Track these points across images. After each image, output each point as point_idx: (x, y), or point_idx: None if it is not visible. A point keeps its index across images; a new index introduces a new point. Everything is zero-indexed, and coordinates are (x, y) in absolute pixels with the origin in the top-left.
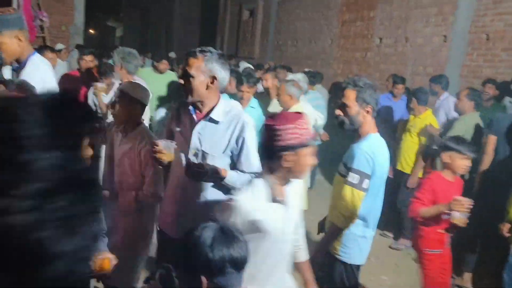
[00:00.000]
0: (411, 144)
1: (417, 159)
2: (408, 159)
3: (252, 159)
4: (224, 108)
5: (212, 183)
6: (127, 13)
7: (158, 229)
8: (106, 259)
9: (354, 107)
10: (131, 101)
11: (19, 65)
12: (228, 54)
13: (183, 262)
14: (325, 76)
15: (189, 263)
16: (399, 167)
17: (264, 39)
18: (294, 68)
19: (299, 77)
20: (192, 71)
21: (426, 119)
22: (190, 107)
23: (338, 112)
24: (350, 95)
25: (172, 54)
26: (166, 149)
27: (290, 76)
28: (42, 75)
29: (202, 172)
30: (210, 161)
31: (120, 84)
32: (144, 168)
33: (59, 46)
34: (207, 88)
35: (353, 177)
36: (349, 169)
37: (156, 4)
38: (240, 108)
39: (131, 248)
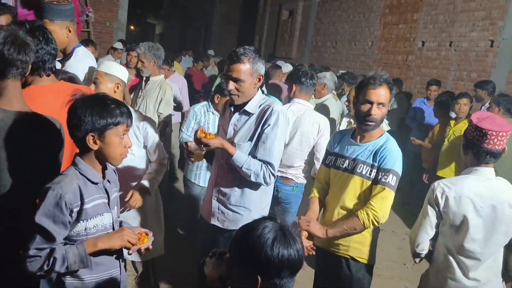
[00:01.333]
0: (452, 150)
1: (459, 166)
2: (451, 165)
3: (269, 146)
4: (259, 100)
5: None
6: (168, 11)
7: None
8: (143, 233)
9: (386, 107)
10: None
11: (64, 56)
12: (266, 54)
13: (240, 258)
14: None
15: (247, 260)
16: (440, 174)
17: (302, 40)
18: (333, 69)
19: (326, 75)
20: (242, 76)
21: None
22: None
23: (375, 112)
24: (387, 95)
25: (211, 52)
26: (196, 150)
27: (318, 74)
28: (84, 68)
29: (203, 144)
30: (239, 150)
31: (148, 78)
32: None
33: (118, 45)
34: (254, 87)
35: (391, 179)
36: (383, 170)
37: (196, 3)
38: (273, 100)
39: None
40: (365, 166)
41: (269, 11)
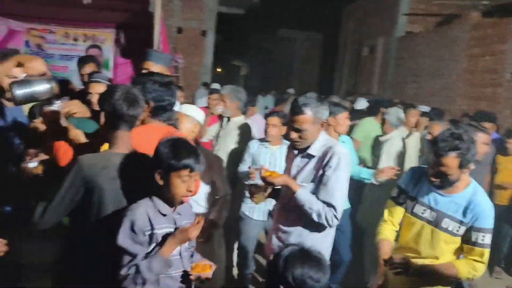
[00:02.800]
0: None
1: None
2: None
3: (330, 188)
4: (322, 142)
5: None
6: (252, 54)
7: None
8: (206, 264)
9: (456, 174)
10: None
11: None
12: (346, 91)
13: (270, 278)
14: (450, 113)
15: (273, 278)
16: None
17: (383, 76)
18: (415, 105)
19: (392, 111)
20: (304, 126)
21: None
22: None
23: (434, 180)
24: (453, 164)
25: (291, 91)
26: (258, 192)
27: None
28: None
29: (268, 183)
30: None
31: (229, 118)
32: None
33: (215, 85)
34: (317, 133)
35: (488, 238)
36: (478, 230)
37: (279, 45)
38: (336, 141)
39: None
40: (452, 222)
41: (350, 49)
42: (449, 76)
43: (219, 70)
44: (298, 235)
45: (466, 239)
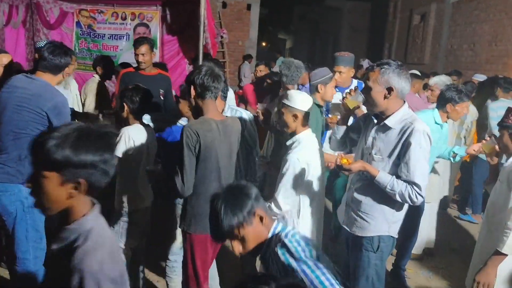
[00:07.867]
0: None
1: None
2: None
3: (412, 167)
4: (402, 115)
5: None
6: (297, 26)
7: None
8: None
9: None
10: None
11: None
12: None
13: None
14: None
15: None
16: None
17: (435, 44)
18: (471, 73)
19: (444, 79)
20: (370, 84)
21: None
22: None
23: None
24: None
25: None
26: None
27: (434, 79)
28: None
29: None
30: (375, 164)
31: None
32: None
33: (280, 59)
34: (384, 98)
35: None
36: None
37: (325, 15)
38: (416, 116)
39: None
40: None
41: (399, 17)
42: (508, 42)
43: (264, 44)
44: (371, 205)
45: None
